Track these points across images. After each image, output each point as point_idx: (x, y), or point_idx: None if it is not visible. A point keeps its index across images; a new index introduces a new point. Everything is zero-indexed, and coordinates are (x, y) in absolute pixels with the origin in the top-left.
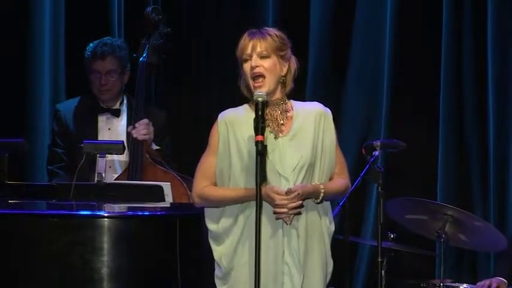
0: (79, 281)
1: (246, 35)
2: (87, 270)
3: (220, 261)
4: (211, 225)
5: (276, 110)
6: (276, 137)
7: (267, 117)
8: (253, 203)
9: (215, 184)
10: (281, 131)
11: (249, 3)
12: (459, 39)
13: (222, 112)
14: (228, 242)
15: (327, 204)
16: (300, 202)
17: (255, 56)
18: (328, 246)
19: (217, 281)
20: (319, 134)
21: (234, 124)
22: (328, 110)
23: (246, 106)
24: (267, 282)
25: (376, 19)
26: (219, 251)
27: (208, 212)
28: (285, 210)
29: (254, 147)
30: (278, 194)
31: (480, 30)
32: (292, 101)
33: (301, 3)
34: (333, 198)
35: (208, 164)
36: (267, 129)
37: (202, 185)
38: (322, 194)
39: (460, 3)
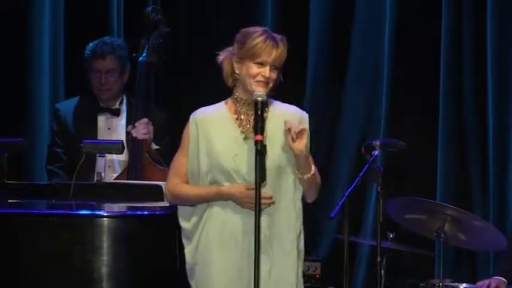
0: (79, 281)
1: (269, 39)
2: (86, 270)
3: (186, 256)
4: (184, 223)
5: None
6: (245, 138)
7: (241, 116)
8: (217, 202)
9: (187, 182)
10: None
11: (248, 3)
12: (459, 39)
13: (194, 112)
14: (194, 238)
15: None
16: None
17: (268, 67)
18: (300, 222)
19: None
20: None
21: (206, 123)
22: (305, 113)
23: (222, 104)
24: (231, 281)
25: (376, 19)
26: (188, 247)
27: (181, 210)
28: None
29: (226, 146)
30: (249, 188)
31: (480, 30)
32: (270, 100)
33: (301, 3)
34: (311, 185)
35: (179, 162)
36: (239, 129)
37: (174, 183)
38: (312, 171)
39: (460, 3)
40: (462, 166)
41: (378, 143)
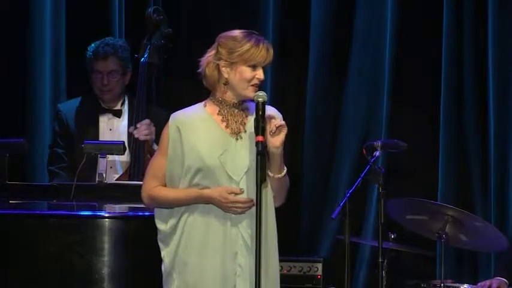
0: (79, 282)
1: (260, 42)
2: (87, 271)
3: (163, 259)
4: (160, 225)
5: (238, 110)
6: (235, 136)
7: (228, 117)
8: (198, 205)
9: (165, 185)
10: (239, 131)
11: (249, 3)
12: (460, 39)
13: (174, 114)
14: (172, 241)
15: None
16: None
17: (261, 68)
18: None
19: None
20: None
21: (187, 126)
22: (279, 113)
23: (200, 106)
24: (214, 285)
25: (377, 19)
26: (165, 250)
27: (158, 212)
28: (240, 205)
29: (210, 148)
30: (231, 192)
31: (481, 31)
32: (249, 103)
33: (301, 3)
34: (281, 187)
35: (158, 165)
36: (225, 129)
37: (151, 186)
38: (284, 171)
39: (461, 3)
40: (463, 166)
41: (379, 143)
